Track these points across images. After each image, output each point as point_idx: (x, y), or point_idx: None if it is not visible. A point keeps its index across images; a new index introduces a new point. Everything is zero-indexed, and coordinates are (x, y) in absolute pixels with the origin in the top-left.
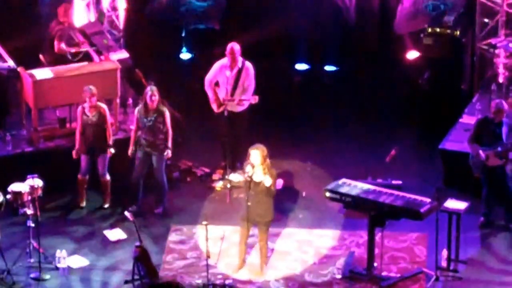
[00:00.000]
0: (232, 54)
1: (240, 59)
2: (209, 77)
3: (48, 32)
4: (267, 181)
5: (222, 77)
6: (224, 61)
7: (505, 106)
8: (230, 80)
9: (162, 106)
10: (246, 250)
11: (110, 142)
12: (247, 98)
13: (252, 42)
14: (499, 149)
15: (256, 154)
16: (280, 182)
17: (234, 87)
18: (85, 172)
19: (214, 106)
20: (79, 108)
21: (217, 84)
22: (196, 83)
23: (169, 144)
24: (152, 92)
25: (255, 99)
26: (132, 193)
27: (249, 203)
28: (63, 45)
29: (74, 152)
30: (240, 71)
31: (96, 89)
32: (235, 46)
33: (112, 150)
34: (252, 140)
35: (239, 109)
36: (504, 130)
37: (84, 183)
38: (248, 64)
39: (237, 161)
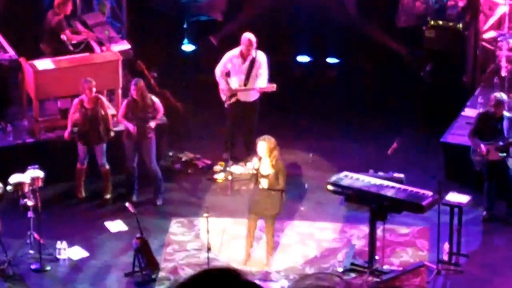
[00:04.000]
0: (249, 45)
1: (254, 50)
2: (220, 67)
3: (47, 23)
4: (265, 183)
5: (235, 67)
6: (235, 51)
7: (505, 99)
8: (243, 70)
9: (150, 96)
10: (253, 243)
11: (111, 127)
12: (264, 87)
13: (254, 34)
14: (500, 143)
15: (262, 146)
16: None
17: (247, 77)
18: (82, 160)
19: (225, 97)
20: (76, 100)
21: (227, 74)
22: (198, 75)
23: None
24: (136, 85)
25: (272, 88)
26: (128, 182)
27: (256, 197)
28: (68, 32)
29: (66, 133)
30: (253, 61)
31: (97, 80)
32: (252, 37)
33: (112, 133)
34: (258, 130)
35: (251, 98)
36: (505, 124)
37: (82, 172)
38: (261, 53)
39: (251, 152)
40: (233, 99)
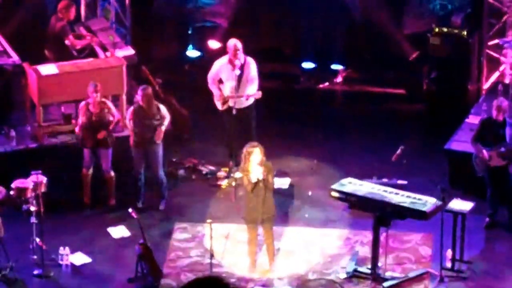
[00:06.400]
0: (235, 51)
1: (242, 55)
2: (211, 74)
3: (50, 29)
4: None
5: (225, 74)
6: (224, 58)
7: (505, 104)
8: (234, 76)
9: (157, 103)
10: (256, 251)
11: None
12: (252, 93)
13: (258, 40)
14: (502, 149)
15: (259, 152)
16: (287, 181)
17: (238, 83)
18: (88, 165)
19: (218, 104)
20: (82, 103)
21: (220, 81)
22: (203, 80)
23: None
24: (143, 92)
25: (258, 95)
26: (135, 188)
27: (251, 205)
28: (71, 37)
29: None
30: (242, 67)
31: (102, 86)
32: (237, 43)
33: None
34: (259, 137)
35: (245, 104)
36: (508, 130)
37: (87, 177)
38: (250, 59)
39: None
40: (226, 106)
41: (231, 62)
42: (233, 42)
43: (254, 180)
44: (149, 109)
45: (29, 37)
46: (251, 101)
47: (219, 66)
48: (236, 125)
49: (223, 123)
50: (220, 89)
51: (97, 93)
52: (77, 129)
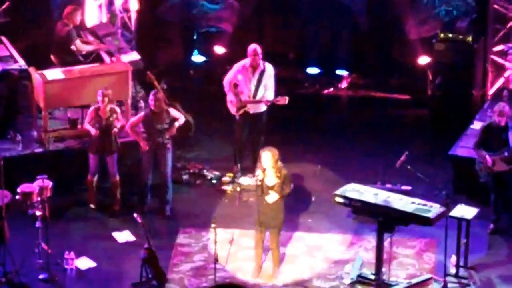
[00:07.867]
0: (255, 56)
1: (260, 61)
2: (228, 78)
3: (56, 34)
4: (272, 197)
5: (243, 79)
6: (244, 62)
7: (507, 109)
8: (253, 81)
9: (164, 105)
10: (262, 255)
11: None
12: (272, 99)
13: (263, 46)
14: (505, 154)
15: (267, 156)
16: (291, 186)
17: (256, 89)
18: (94, 172)
19: (233, 109)
20: (91, 108)
21: (235, 85)
22: (208, 85)
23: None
24: (155, 96)
25: (284, 100)
26: (141, 193)
27: (260, 209)
28: (77, 42)
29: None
30: (262, 73)
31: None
32: (257, 48)
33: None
34: (265, 142)
35: (260, 109)
36: (510, 135)
37: (93, 183)
38: (269, 65)
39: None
40: (242, 111)
41: (251, 66)
42: (253, 47)
43: (258, 182)
44: (160, 114)
45: (35, 42)
46: (265, 106)
47: (237, 70)
48: (248, 130)
49: (234, 128)
50: (236, 95)
51: (105, 98)
52: (93, 131)
